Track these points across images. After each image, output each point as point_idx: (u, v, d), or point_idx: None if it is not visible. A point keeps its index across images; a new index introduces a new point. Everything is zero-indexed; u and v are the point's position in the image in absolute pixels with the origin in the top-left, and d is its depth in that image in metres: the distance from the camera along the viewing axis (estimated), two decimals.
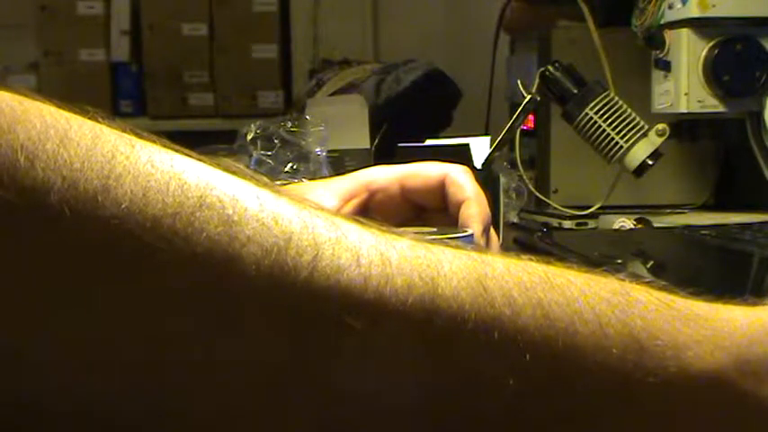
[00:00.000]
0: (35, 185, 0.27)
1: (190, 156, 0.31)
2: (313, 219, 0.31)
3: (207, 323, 0.29)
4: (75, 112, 0.30)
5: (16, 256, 0.27)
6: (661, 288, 0.34)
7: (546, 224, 1.28)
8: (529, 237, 1.05)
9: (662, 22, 1.13)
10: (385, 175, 0.70)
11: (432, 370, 0.30)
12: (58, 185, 0.28)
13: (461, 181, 0.68)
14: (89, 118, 0.30)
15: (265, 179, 0.32)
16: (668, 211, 1.28)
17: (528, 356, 0.31)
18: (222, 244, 0.29)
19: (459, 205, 0.67)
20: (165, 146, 0.30)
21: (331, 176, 0.82)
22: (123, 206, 0.28)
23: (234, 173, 0.31)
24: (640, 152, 1.17)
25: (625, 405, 0.32)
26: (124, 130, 0.30)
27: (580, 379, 0.32)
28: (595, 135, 1.18)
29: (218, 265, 0.29)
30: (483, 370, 0.31)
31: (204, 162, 0.31)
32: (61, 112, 0.29)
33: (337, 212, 0.33)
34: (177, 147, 0.31)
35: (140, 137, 0.30)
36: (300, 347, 0.29)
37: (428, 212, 0.70)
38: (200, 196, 0.29)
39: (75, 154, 0.28)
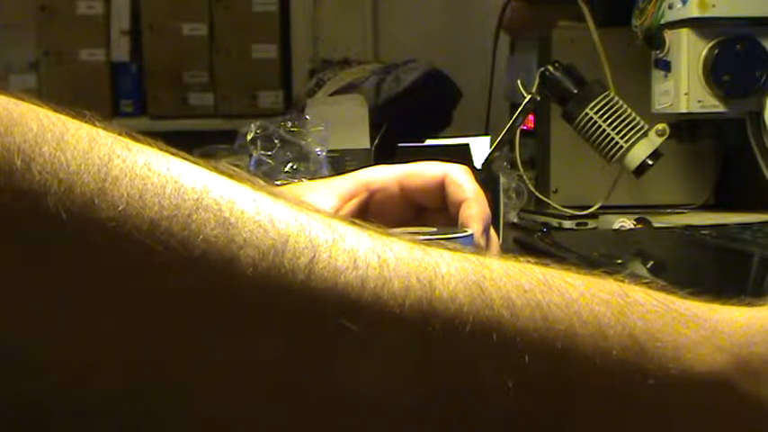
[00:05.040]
0: (32, 188, 0.27)
1: (187, 159, 0.31)
2: (310, 221, 0.31)
3: (205, 324, 0.29)
4: (72, 116, 0.30)
5: (14, 259, 0.27)
6: (660, 289, 0.34)
7: (546, 224, 1.28)
8: (529, 237, 1.05)
9: (662, 22, 1.13)
10: (385, 175, 0.70)
11: (430, 372, 0.30)
12: (55, 188, 0.28)
13: (461, 181, 0.68)
14: (85, 121, 0.30)
15: (262, 182, 0.32)
16: (668, 211, 1.28)
17: (527, 358, 0.31)
18: (219, 246, 0.29)
19: (458, 205, 0.67)
20: (161, 149, 0.30)
21: (331, 176, 0.82)
22: (120, 209, 0.28)
23: (230, 176, 0.31)
24: (640, 152, 1.17)
25: (625, 407, 0.32)
26: (120, 134, 0.30)
27: (579, 381, 0.32)
28: (595, 135, 1.18)
29: (216, 266, 0.29)
30: (482, 372, 0.31)
31: (201, 166, 0.31)
32: (58, 115, 0.29)
33: (335, 214, 0.33)
34: (174, 150, 0.31)
35: (137, 140, 0.30)
36: (298, 349, 0.29)
37: (428, 212, 0.70)
38: (197, 199, 0.29)
39: (71, 157, 0.28)
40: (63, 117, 0.29)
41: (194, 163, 0.31)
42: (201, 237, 0.29)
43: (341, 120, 1.25)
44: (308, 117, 1.20)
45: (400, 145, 0.99)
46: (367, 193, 0.70)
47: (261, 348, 0.29)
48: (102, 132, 0.30)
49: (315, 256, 0.30)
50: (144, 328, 0.28)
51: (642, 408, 0.32)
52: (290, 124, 1.15)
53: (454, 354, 0.30)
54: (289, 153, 1.14)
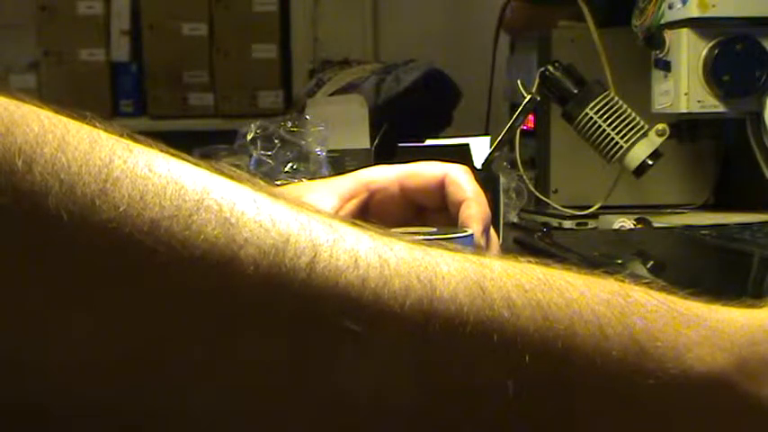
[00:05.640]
0: (33, 189, 0.27)
1: (187, 161, 0.31)
2: (310, 221, 0.31)
3: (206, 324, 0.29)
4: (73, 117, 0.30)
5: (14, 259, 0.27)
6: (661, 289, 0.34)
7: (546, 224, 1.28)
8: (529, 237, 1.05)
9: (662, 22, 1.13)
10: (385, 175, 0.70)
11: (430, 372, 0.30)
12: (56, 189, 0.28)
13: (461, 181, 0.68)
14: (86, 123, 0.30)
15: (262, 182, 0.32)
16: (668, 211, 1.28)
17: (527, 358, 0.31)
18: (220, 246, 0.29)
19: (458, 205, 0.67)
20: (162, 150, 0.31)
21: (331, 176, 0.82)
22: (121, 209, 0.28)
23: (231, 177, 0.31)
24: (640, 152, 1.17)
25: (625, 407, 0.32)
26: (121, 135, 0.30)
27: (580, 381, 0.32)
28: (595, 135, 1.18)
29: (217, 266, 0.29)
30: (482, 372, 0.31)
31: (202, 167, 0.31)
32: (59, 116, 0.29)
33: (335, 214, 0.33)
34: (174, 151, 0.31)
35: (137, 142, 0.30)
36: (299, 348, 0.29)
37: (428, 212, 0.70)
38: (198, 200, 0.29)
39: (72, 158, 0.28)
40: (64, 118, 0.29)
41: (195, 164, 0.31)
42: (202, 237, 0.29)
43: (341, 120, 1.25)
44: (308, 117, 1.20)
45: (400, 145, 0.99)
46: (367, 193, 0.70)
47: (261, 348, 0.29)
48: (102, 134, 0.30)
49: (315, 255, 0.30)
50: (145, 328, 0.28)
51: (642, 408, 0.32)
52: (290, 124, 1.15)
53: (454, 354, 0.30)
54: (289, 153, 1.14)
